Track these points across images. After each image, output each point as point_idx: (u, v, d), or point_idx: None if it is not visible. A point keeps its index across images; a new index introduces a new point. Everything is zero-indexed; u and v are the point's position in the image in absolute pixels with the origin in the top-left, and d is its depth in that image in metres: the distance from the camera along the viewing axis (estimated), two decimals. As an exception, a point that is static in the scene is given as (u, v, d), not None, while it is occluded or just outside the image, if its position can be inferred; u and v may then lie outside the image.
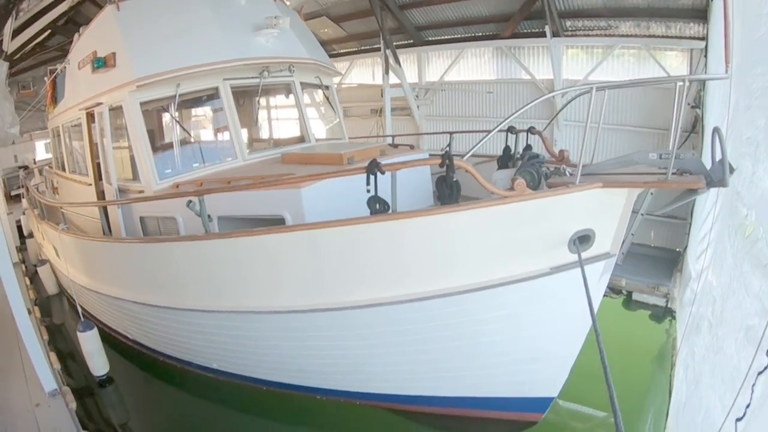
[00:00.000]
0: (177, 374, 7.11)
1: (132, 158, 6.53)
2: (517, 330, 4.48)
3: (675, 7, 10.15)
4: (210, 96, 7.00)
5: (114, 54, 6.45)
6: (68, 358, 7.96)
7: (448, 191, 4.07)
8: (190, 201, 4.58)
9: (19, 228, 13.93)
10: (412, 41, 14.72)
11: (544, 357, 4.68)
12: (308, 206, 4.84)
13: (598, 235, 3.89)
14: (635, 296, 9.10)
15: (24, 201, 13.57)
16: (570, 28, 12.10)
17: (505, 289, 4.14)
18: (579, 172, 3.75)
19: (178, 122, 6.59)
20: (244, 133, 7.84)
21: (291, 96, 7.98)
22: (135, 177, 6.52)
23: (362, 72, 16.98)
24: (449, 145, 7.97)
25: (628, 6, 10.83)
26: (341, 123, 8.86)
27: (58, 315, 10.18)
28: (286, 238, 4.36)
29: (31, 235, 12.61)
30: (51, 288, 10.94)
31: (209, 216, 4.70)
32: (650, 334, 7.88)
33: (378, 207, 3.99)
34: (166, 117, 6.87)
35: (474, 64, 14.20)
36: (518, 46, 13.03)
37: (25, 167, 16.32)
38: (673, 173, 3.48)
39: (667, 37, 10.78)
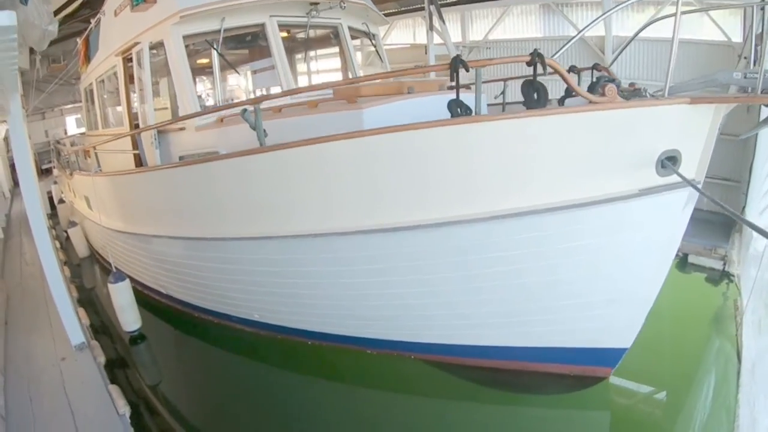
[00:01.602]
0: (213, 330, 6.76)
1: (171, 99, 6.24)
2: (596, 265, 4.05)
3: None
4: (254, 35, 6.67)
5: None
6: (98, 316, 7.73)
7: (534, 94, 3.75)
8: (245, 110, 4.17)
9: (50, 199, 13.91)
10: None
11: (622, 299, 4.23)
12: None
13: (684, 158, 3.55)
14: (691, 259, 8.65)
15: (54, 170, 13.56)
16: None
17: (588, 212, 3.76)
18: (667, 84, 3.43)
19: (223, 57, 6.20)
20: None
21: (334, 45, 7.64)
22: (175, 117, 6.18)
23: (402, 33, 16.54)
24: (503, 92, 7.49)
25: None
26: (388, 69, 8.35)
27: (89, 278, 9.98)
28: (340, 147, 3.98)
29: (61, 201, 12.52)
30: (82, 251, 10.82)
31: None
32: (708, 296, 7.49)
33: (460, 111, 3.64)
34: (208, 55, 6.48)
35: (520, 22, 13.69)
36: (566, 2, 12.47)
37: (57, 141, 16.34)
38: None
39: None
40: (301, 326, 5.82)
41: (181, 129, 6.00)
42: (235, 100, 6.52)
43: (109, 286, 6.56)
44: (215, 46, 6.05)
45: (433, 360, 5.46)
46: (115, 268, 6.70)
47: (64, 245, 11.52)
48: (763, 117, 7.34)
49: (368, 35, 8.01)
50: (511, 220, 3.89)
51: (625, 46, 5.92)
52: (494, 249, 4.12)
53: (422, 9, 13.88)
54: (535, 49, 3.68)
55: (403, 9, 15.86)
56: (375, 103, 4.55)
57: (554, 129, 3.54)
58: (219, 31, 6.03)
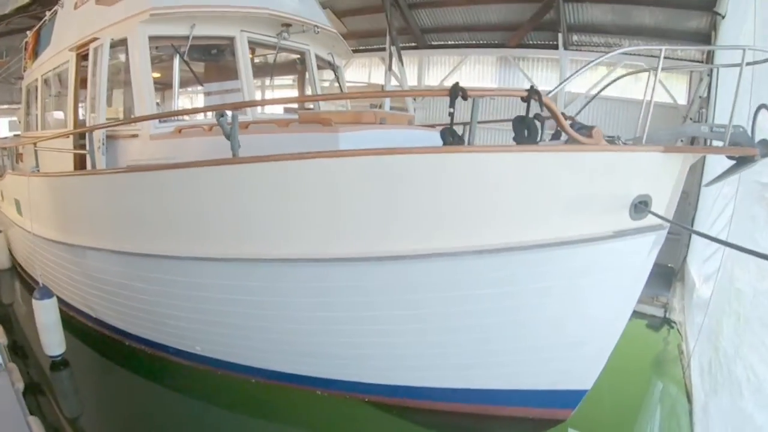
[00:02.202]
0: (146, 361, 6.06)
1: (126, 104, 5.78)
2: (563, 306, 4.00)
3: (679, 29, 10.50)
4: (219, 50, 6.36)
5: None
6: (15, 336, 6.88)
7: (526, 131, 3.65)
8: (221, 115, 3.80)
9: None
10: (415, 44, 14.60)
11: (586, 341, 4.19)
12: None
13: (654, 203, 3.66)
14: (632, 306, 8.99)
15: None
16: (576, 43, 12.18)
17: (560, 252, 3.69)
18: (645, 133, 3.59)
19: (188, 65, 5.80)
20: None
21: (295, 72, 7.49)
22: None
23: (358, 71, 16.68)
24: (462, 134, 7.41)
25: (634, 24, 11.12)
26: (348, 108, 8.25)
27: (7, 293, 9.02)
28: (312, 166, 3.71)
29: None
30: (2, 262, 9.82)
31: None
32: (651, 342, 7.82)
33: (452, 139, 3.54)
34: (165, 67, 6.08)
35: (475, 72, 14.14)
36: (523, 56, 12.97)
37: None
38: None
39: (671, 58, 11.03)
40: (246, 362, 5.30)
41: (134, 136, 5.50)
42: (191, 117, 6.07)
43: (34, 302, 5.81)
44: (181, 52, 5.66)
45: (386, 403, 5.07)
46: (42, 283, 5.94)
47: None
48: (707, 175, 8.04)
49: (332, 66, 7.87)
50: (480, 257, 3.75)
51: (587, 103, 6.12)
52: (459, 287, 3.95)
53: (383, 49, 14.11)
54: (532, 86, 3.64)
55: (362, 48, 16.02)
56: (351, 128, 4.37)
57: (537, 166, 3.51)
58: (187, 37, 5.67)
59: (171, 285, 4.84)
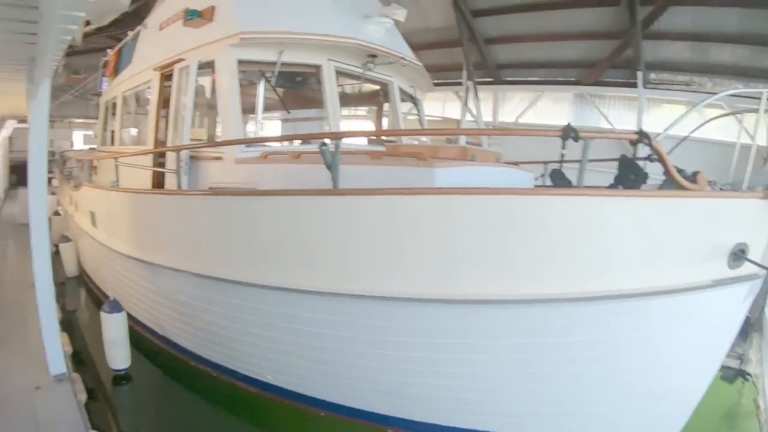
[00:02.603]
0: (210, 384, 5.94)
1: (210, 126, 5.80)
2: (654, 356, 3.83)
3: (759, 66, 10.04)
4: (304, 78, 6.44)
5: (213, 7, 5.90)
6: (79, 345, 6.90)
7: (632, 176, 3.64)
8: (323, 143, 3.74)
9: (45, 209, 13.17)
10: (491, 79, 14.46)
11: (673, 393, 3.98)
12: None
13: (750, 251, 3.51)
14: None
15: (54, 181, 12.95)
16: (653, 81, 11.80)
17: (659, 301, 3.55)
18: (747, 178, 3.68)
19: (276, 91, 5.84)
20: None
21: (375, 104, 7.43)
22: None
23: (432, 105, 16.62)
24: (543, 175, 7.19)
25: (713, 62, 10.80)
26: (428, 143, 8.11)
27: (72, 300, 9.16)
28: (420, 203, 3.60)
29: (56, 214, 11.85)
30: (70, 269, 10.07)
31: None
32: (725, 394, 7.31)
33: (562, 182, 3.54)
34: (251, 87, 6.12)
35: (551, 109, 13.91)
36: (599, 94, 12.59)
37: (63, 153, 15.81)
38: None
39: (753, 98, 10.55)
40: (318, 395, 5.11)
41: (217, 158, 5.49)
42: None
43: (103, 315, 5.84)
44: (268, 78, 5.70)
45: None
46: (113, 297, 5.96)
47: (52, 260, 10.71)
48: None
49: (413, 99, 7.83)
50: (581, 304, 3.59)
51: (678, 144, 5.82)
52: (568, 333, 3.78)
53: (458, 84, 14.04)
54: (641, 129, 3.57)
55: (437, 81, 16.09)
56: (446, 164, 4.24)
57: (643, 211, 3.40)
58: (272, 63, 5.73)
59: (250, 312, 4.74)
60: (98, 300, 8.55)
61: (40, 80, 4.33)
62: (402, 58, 6.64)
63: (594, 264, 3.51)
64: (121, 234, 6.17)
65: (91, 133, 20.69)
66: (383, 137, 7.07)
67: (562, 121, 13.08)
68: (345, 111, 8.11)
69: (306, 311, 4.34)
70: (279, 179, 4.81)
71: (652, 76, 11.92)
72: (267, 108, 6.16)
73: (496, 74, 14.31)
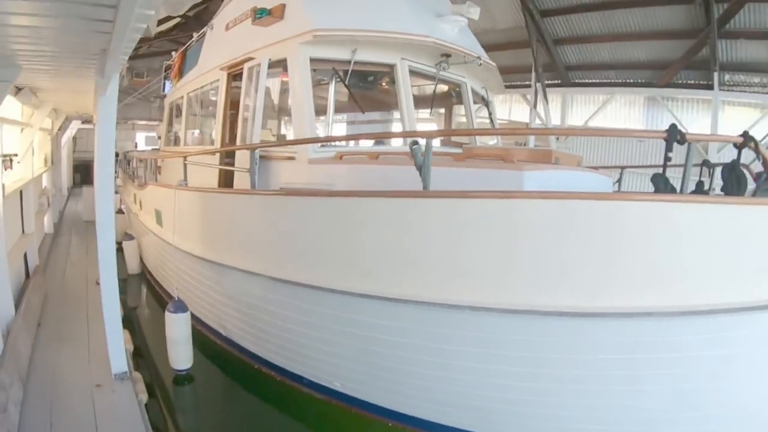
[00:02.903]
0: (274, 388, 5.80)
1: (276, 124, 5.70)
2: (735, 378, 3.47)
3: None
4: (376, 78, 6.34)
5: (283, 5, 5.80)
6: (139, 343, 6.93)
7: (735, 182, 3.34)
8: (415, 143, 3.52)
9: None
10: (559, 81, 14.10)
11: (753, 417, 3.61)
12: None
13: None
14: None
15: (117, 180, 13.30)
16: (727, 82, 11.13)
17: (742, 318, 3.21)
18: None
19: (350, 90, 5.70)
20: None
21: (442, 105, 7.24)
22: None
23: (498, 107, 16.44)
24: (619, 180, 6.77)
25: None
26: (499, 144, 7.88)
27: (133, 297, 9.28)
28: (532, 206, 3.33)
29: (119, 212, 12.12)
30: (132, 266, 10.23)
31: None
32: None
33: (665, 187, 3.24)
34: (324, 88, 6.04)
35: (621, 112, 13.43)
36: (671, 96, 12.00)
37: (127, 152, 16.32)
38: None
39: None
40: (387, 404, 4.88)
41: (289, 158, 5.37)
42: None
43: (167, 315, 5.78)
44: (342, 78, 5.56)
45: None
46: (177, 296, 5.92)
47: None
48: None
49: (485, 101, 7.58)
50: (697, 318, 3.28)
51: None
52: (678, 348, 3.45)
53: (525, 86, 13.66)
54: (746, 131, 3.31)
55: (507, 84, 15.81)
56: (534, 168, 4.00)
57: (744, 220, 3.12)
58: (345, 61, 5.59)
59: (323, 318, 4.57)
60: (160, 298, 8.66)
61: (110, 74, 4.22)
62: (477, 57, 6.38)
63: (705, 277, 3.21)
64: (188, 233, 6.13)
65: (153, 134, 21.32)
66: (456, 139, 6.85)
67: (633, 125, 12.70)
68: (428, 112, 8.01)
69: (388, 320, 4.10)
70: (355, 180, 4.63)
71: (726, 77, 11.35)
72: (336, 109, 6.01)
73: (564, 76, 13.95)
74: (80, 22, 2.96)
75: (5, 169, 6.11)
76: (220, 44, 7.34)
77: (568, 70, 13.91)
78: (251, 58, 6.13)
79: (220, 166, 6.15)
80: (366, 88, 6.46)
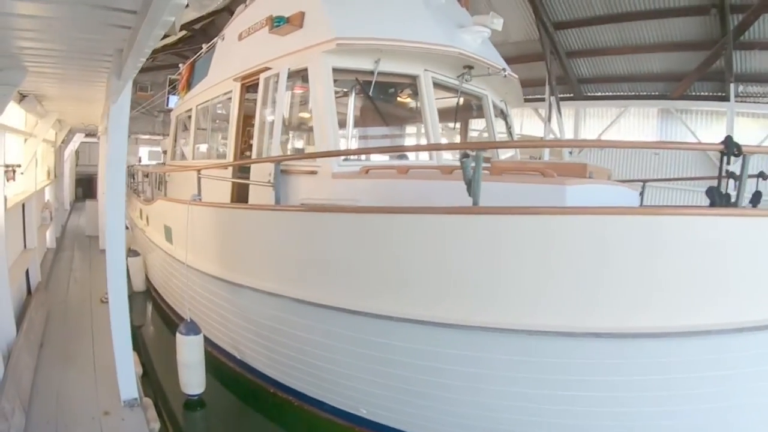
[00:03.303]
0: (291, 414, 5.45)
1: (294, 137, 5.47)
2: None
3: None
4: (395, 90, 6.15)
5: (302, 13, 5.59)
6: (145, 362, 6.61)
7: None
8: (465, 155, 3.28)
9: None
10: (572, 94, 13.92)
11: None
12: None
13: None
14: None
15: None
16: (741, 94, 11.05)
17: None
18: None
19: (373, 102, 5.57)
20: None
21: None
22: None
23: None
24: (641, 194, 6.55)
25: None
26: (517, 158, 7.66)
27: (138, 316, 8.91)
28: (578, 223, 3.12)
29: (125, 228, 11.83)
30: (137, 284, 9.89)
31: None
32: None
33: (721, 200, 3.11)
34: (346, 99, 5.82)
35: (635, 125, 13.28)
36: (686, 109, 11.87)
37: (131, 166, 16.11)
38: None
39: None
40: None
41: (311, 172, 5.12)
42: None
43: (179, 337, 5.46)
44: (365, 89, 5.39)
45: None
46: (190, 318, 5.62)
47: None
48: None
49: (504, 114, 7.39)
50: (739, 335, 3.11)
51: None
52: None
53: (537, 99, 13.52)
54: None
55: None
56: (575, 182, 3.80)
57: None
58: (370, 72, 5.40)
59: (349, 341, 4.29)
60: (166, 317, 8.36)
61: (128, 76, 3.84)
62: (502, 69, 6.23)
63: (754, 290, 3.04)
64: (202, 251, 5.84)
65: (156, 149, 21.11)
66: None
67: (647, 138, 12.49)
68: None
69: (425, 344, 3.82)
70: (383, 196, 4.36)
71: (740, 88, 11.27)
72: (355, 123, 5.80)
73: (577, 89, 13.81)
74: (97, 12, 2.66)
75: (7, 181, 5.78)
76: (233, 54, 7.15)
77: (581, 83, 13.77)
78: (268, 68, 5.92)
79: (240, 180, 5.86)
80: (385, 100, 6.22)
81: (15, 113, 6.37)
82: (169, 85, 16.23)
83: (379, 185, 4.59)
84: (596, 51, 12.71)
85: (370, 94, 5.59)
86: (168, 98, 16.83)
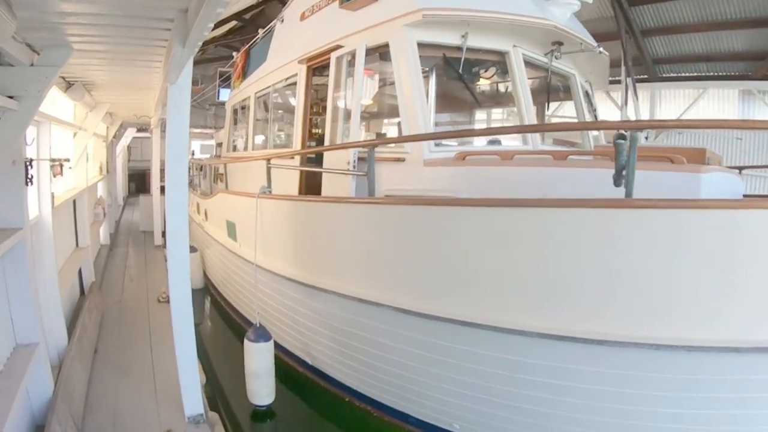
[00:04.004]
0: (371, 426, 4.91)
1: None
2: None
3: None
4: (477, 68, 5.48)
5: None
6: (208, 370, 6.18)
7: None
8: (621, 136, 2.76)
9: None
10: (646, 76, 12.96)
11: None
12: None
13: None
14: None
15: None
16: None
17: None
18: None
19: (465, 82, 4.94)
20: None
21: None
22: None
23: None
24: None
25: None
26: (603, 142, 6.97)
27: (197, 313, 8.47)
28: None
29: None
30: (195, 281, 9.46)
31: None
32: None
33: None
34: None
35: (714, 108, 12.39)
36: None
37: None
38: None
39: None
40: None
41: (398, 159, 4.54)
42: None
43: (247, 344, 4.96)
44: (455, 67, 4.78)
45: None
46: (259, 322, 5.12)
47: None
48: None
49: (588, 96, 6.71)
50: None
51: None
52: None
53: (615, 82, 12.68)
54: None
55: None
56: (708, 170, 3.29)
57: None
58: (456, 47, 4.80)
59: (458, 356, 3.72)
60: (227, 315, 8.01)
61: (192, 44, 3.21)
62: (597, 46, 5.63)
63: None
64: (273, 249, 5.33)
65: (208, 142, 21.04)
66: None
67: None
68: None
69: (567, 362, 3.25)
70: (486, 186, 3.77)
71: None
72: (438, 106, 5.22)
73: (651, 70, 12.99)
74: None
75: (54, 176, 5.31)
76: (296, 36, 6.65)
77: (656, 63, 12.91)
78: (339, 47, 5.37)
79: (324, 169, 5.20)
80: (469, 81, 5.55)
81: (62, 104, 5.91)
82: (218, 78, 16.02)
83: (481, 173, 3.99)
84: (673, 28, 11.80)
85: (460, 71, 4.95)
86: (219, 91, 16.66)
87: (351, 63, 5.23)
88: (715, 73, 12.19)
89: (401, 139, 4.59)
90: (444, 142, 4.67)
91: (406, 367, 4.22)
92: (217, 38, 17.76)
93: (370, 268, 4.07)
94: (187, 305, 4.26)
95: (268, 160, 5.43)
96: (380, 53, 5.03)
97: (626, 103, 11.84)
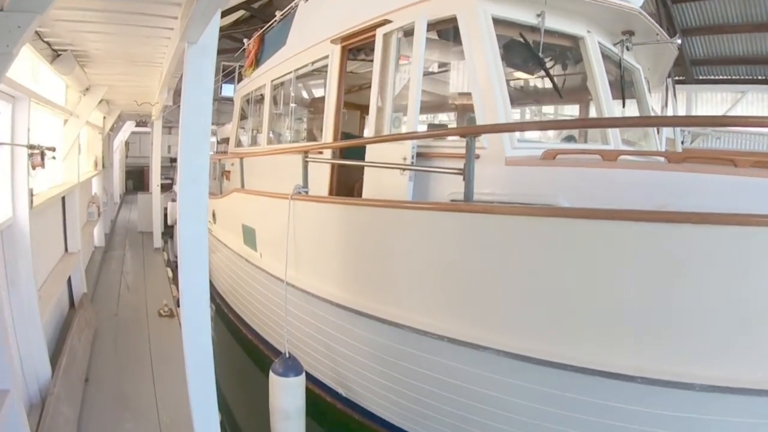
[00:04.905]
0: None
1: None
2: None
3: None
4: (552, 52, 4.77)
5: None
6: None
7: None
8: None
9: (165, 218, 12.18)
10: (683, 77, 12.47)
11: None
12: None
13: None
14: None
15: (175, 187, 11.95)
16: None
17: None
18: None
19: (544, 68, 4.25)
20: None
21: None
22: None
23: (616, 106, 15.10)
24: None
25: None
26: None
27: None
28: None
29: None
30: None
31: None
32: None
33: None
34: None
35: (755, 111, 12.12)
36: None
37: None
38: None
39: None
40: None
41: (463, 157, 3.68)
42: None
43: (274, 378, 4.03)
44: (535, 50, 4.07)
45: None
46: (289, 352, 4.21)
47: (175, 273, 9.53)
48: None
49: (648, 90, 6.00)
50: None
51: None
52: None
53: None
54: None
55: None
56: None
57: None
58: (532, 27, 4.11)
59: (508, 391, 3.13)
60: (233, 327, 7.33)
61: (207, 18, 2.47)
62: (674, 38, 5.08)
63: None
64: (306, 262, 4.45)
65: (212, 139, 20.21)
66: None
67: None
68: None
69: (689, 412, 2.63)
70: (586, 191, 3.02)
71: None
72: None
73: (688, 72, 12.60)
74: None
75: (33, 168, 4.21)
76: (325, 14, 5.83)
77: (694, 65, 12.43)
78: (387, 21, 4.51)
79: (395, 165, 4.06)
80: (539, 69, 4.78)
81: (49, 80, 4.90)
82: (222, 72, 15.22)
83: (581, 176, 3.17)
84: (713, 28, 11.42)
85: (520, 59, 4.29)
86: (221, 86, 15.84)
87: (401, 42, 4.41)
88: (754, 77, 11.80)
89: (493, 128, 3.69)
90: (527, 136, 3.85)
91: (456, 405, 3.51)
92: (223, 29, 16.96)
93: (458, 296, 3.21)
94: (205, 323, 3.21)
95: (306, 152, 4.56)
96: (439, 30, 4.24)
97: (666, 105, 11.19)
